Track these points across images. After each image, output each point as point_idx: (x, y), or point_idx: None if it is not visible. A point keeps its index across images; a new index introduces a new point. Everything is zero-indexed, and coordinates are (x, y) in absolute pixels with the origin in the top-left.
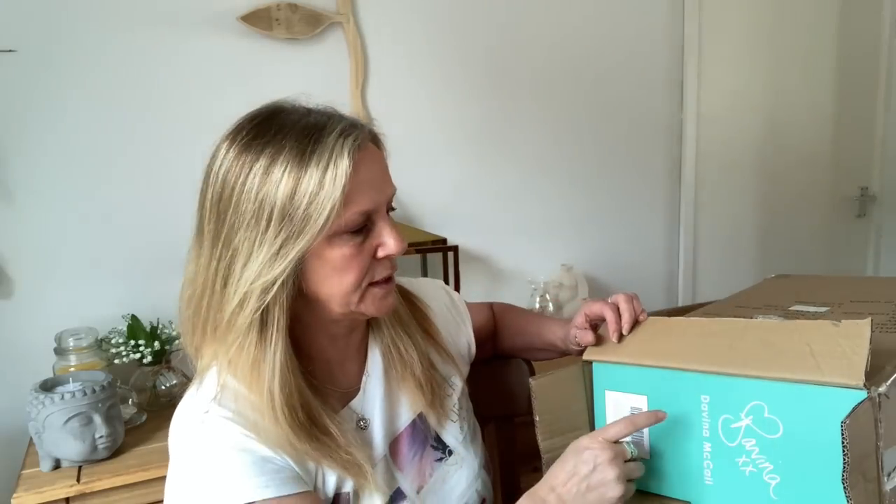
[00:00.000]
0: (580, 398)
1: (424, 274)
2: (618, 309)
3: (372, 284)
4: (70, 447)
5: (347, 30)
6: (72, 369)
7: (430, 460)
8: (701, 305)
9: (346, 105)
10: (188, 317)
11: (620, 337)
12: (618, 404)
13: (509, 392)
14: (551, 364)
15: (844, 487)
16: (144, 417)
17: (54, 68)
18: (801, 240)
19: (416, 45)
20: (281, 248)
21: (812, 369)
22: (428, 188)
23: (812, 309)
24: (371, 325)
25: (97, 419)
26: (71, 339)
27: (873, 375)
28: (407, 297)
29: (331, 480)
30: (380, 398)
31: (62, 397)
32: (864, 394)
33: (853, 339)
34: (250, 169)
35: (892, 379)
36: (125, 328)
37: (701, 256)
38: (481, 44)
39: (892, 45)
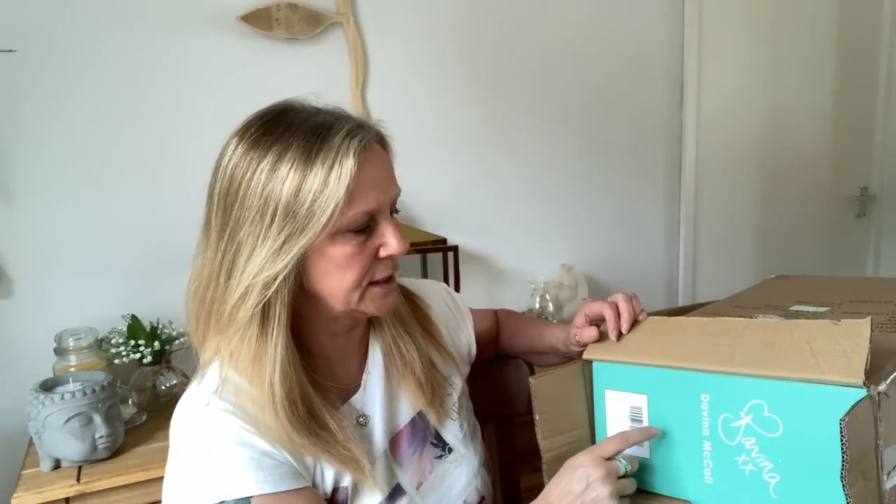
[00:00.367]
0: (580, 397)
1: (424, 274)
2: (617, 308)
3: (372, 284)
4: (70, 447)
5: (347, 30)
6: (72, 369)
7: (430, 457)
8: (701, 305)
9: (346, 105)
10: (193, 309)
11: (620, 336)
12: (618, 403)
13: (509, 392)
14: (553, 365)
15: (843, 486)
16: (144, 417)
17: (54, 68)
18: (801, 240)
19: (416, 45)
20: (284, 243)
21: (812, 368)
22: (428, 188)
23: (812, 309)
24: (372, 323)
25: (97, 419)
26: (71, 339)
27: (873, 374)
28: (409, 297)
29: (329, 475)
30: (380, 395)
31: (62, 397)
32: (863, 392)
33: (853, 338)
34: (257, 165)
35: (891, 377)
36: (125, 328)
37: (701, 256)
38: (481, 43)
39: (892, 45)
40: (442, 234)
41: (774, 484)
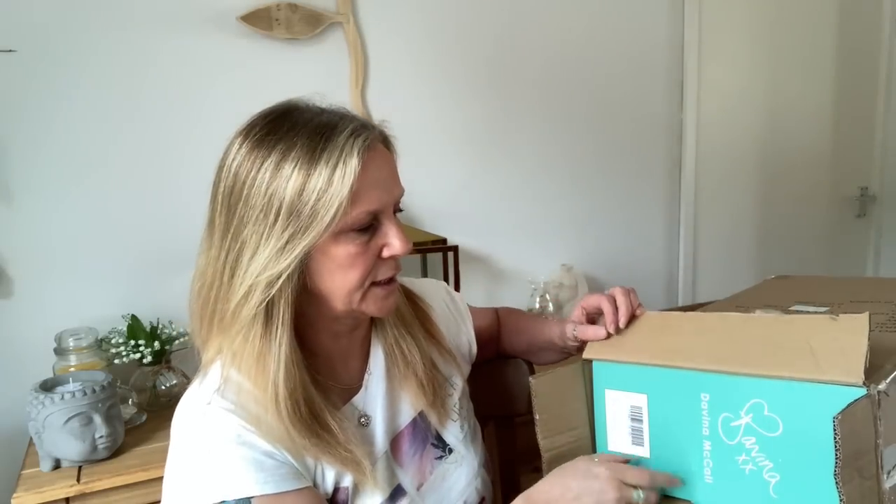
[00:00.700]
0: (580, 397)
1: (424, 274)
2: (615, 301)
3: (374, 284)
4: (70, 447)
5: (347, 30)
6: (72, 369)
7: (431, 458)
8: (701, 305)
9: (346, 105)
10: (196, 308)
11: (617, 329)
12: (618, 403)
13: (509, 392)
14: (553, 365)
15: (836, 483)
16: (144, 417)
17: (54, 68)
18: (801, 240)
19: (416, 44)
20: (287, 242)
21: (811, 367)
22: (428, 188)
23: (812, 309)
24: (374, 323)
25: (97, 419)
26: (71, 339)
27: (873, 373)
28: (410, 297)
29: (329, 476)
30: (381, 396)
31: (62, 397)
32: (863, 391)
33: (851, 334)
34: (262, 164)
35: (891, 377)
36: (125, 328)
37: (701, 256)
38: (481, 43)
39: (892, 45)
40: (442, 234)
41: (774, 483)
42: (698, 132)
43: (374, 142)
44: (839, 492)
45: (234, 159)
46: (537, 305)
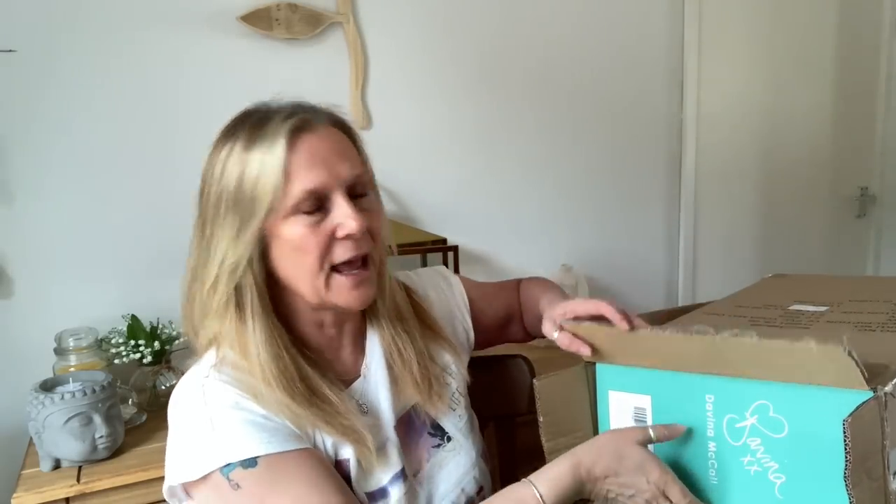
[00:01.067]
0: (584, 398)
1: None
2: (610, 308)
3: (336, 271)
4: (70, 447)
5: (347, 30)
6: (72, 369)
7: (428, 446)
8: (701, 305)
9: (345, 105)
10: (184, 304)
11: (631, 325)
12: (621, 404)
13: (509, 392)
14: (554, 364)
15: (846, 485)
16: (144, 417)
17: (54, 68)
18: (801, 239)
19: (417, 44)
20: (239, 231)
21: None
22: (428, 188)
23: (811, 308)
24: (369, 318)
25: (97, 419)
26: (71, 339)
27: (878, 375)
28: (409, 293)
29: (328, 444)
30: (378, 387)
31: (62, 397)
32: (869, 393)
33: (834, 362)
34: (214, 163)
35: None
36: (125, 328)
37: (701, 256)
38: (481, 44)
39: (892, 45)
40: (442, 234)
41: (780, 484)
42: (698, 132)
43: (310, 122)
44: (849, 495)
45: (203, 164)
46: None
